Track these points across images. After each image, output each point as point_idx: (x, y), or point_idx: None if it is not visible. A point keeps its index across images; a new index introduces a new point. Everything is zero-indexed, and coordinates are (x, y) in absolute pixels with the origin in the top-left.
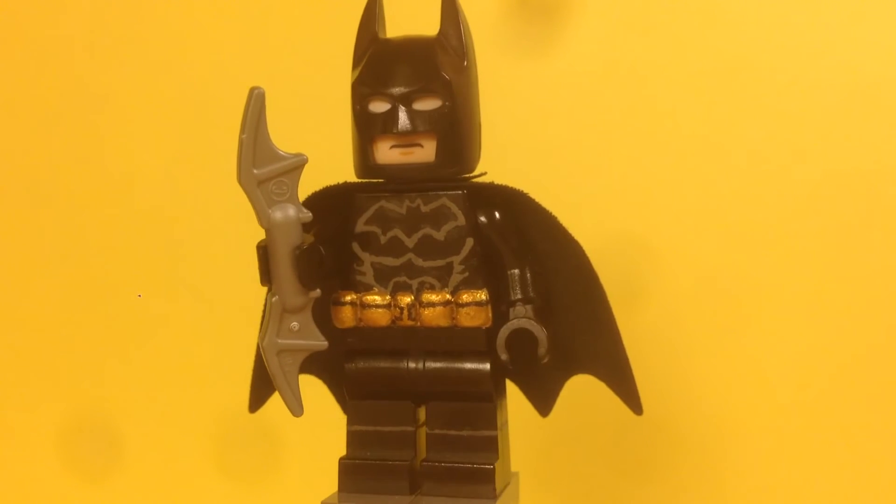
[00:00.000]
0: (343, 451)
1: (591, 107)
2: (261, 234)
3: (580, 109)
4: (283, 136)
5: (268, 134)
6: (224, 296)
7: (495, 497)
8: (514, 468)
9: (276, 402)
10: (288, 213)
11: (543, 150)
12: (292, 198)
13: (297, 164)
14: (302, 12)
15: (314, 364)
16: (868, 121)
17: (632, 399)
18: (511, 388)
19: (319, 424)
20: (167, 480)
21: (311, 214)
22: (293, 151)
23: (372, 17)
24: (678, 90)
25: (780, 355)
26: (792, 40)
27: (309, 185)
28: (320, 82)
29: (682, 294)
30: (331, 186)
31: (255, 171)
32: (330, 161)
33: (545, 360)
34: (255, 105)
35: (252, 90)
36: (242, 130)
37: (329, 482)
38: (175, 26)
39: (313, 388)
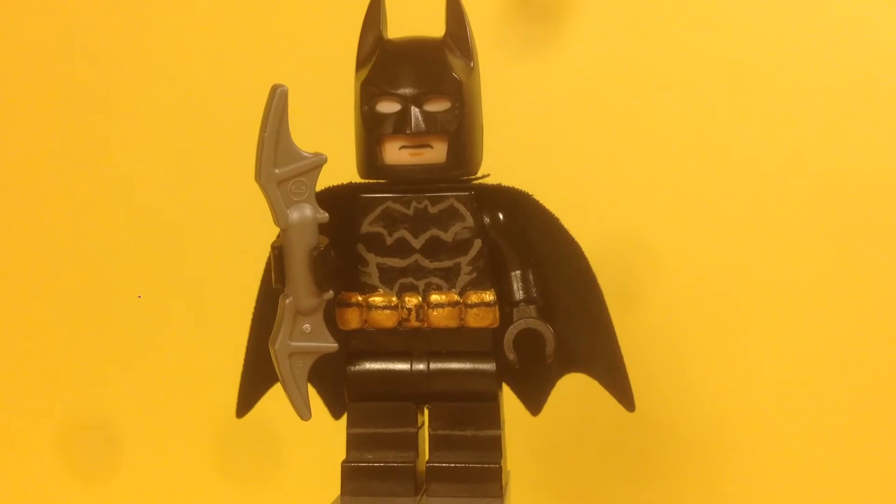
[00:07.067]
0: (342, 454)
1: (591, 107)
2: (263, 236)
3: (580, 110)
4: None
5: (289, 133)
6: (224, 297)
7: (502, 496)
8: (509, 468)
9: (275, 404)
10: (305, 214)
11: (543, 151)
12: (310, 198)
13: (316, 164)
14: (303, 15)
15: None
16: (867, 122)
17: (624, 396)
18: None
19: (319, 426)
20: (167, 481)
21: (327, 215)
22: None
23: (375, 18)
24: (678, 91)
25: (779, 355)
26: (791, 41)
27: None
28: (321, 84)
29: (681, 295)
30: (335, 187)
31: (276, 170)
32: (331, 162)
33: (551, 360)
34: (279, 103)
35: (275, 87)
36: (264, 129)
37: (329, 484)
38: (178, 29)
39: (312, 391)
